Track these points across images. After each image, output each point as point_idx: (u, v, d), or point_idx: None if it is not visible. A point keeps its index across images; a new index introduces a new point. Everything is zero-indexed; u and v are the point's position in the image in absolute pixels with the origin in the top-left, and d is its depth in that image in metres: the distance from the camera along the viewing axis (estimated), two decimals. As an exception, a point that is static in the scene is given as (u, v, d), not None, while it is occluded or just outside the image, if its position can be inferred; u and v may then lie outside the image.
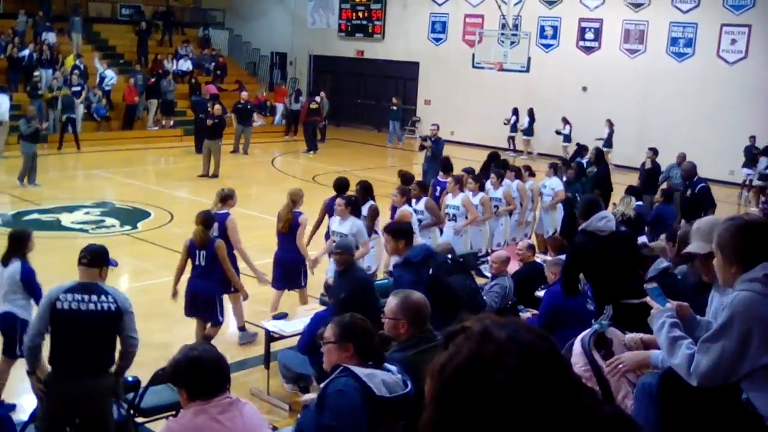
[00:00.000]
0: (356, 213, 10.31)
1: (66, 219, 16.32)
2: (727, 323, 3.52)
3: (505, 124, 28.95)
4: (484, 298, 8.94)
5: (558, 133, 27.47)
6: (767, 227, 3.72)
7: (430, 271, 7.03)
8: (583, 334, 4.42)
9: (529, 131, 28.90)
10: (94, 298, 5.97)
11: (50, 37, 29.30)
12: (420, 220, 11.69)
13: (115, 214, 17.00)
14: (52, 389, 6.06)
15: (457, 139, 29.69)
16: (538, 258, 10.76)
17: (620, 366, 4.15)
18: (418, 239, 10.87)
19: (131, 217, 16.80)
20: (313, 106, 28.24)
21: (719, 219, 4.50)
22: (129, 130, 28.08)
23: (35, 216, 16.48)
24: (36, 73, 26.77)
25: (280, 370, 8.52)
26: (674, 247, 7.48)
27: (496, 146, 27.47)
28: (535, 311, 8.45)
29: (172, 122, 29.49)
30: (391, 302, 4.65)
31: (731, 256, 3.68)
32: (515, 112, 28.85)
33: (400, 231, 7.70)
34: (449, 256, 8.11)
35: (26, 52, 27.75)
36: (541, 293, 8.76)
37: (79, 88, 26.53)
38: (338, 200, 10.40)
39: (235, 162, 24.03)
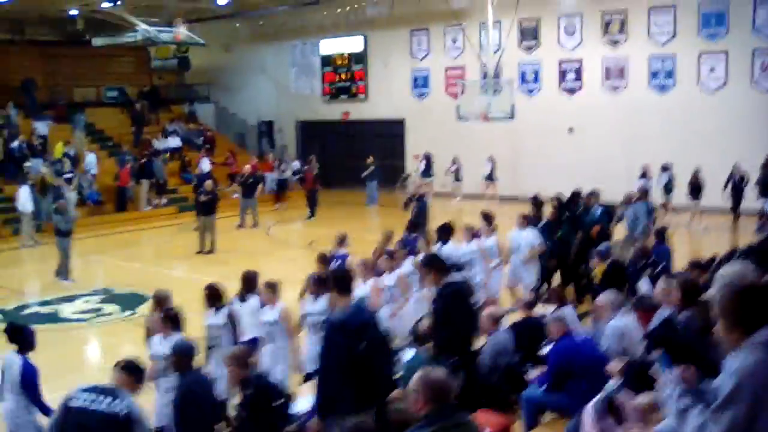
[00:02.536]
0: None
1: (65, 310, 16.29)
2: (736, 390, 3.52)
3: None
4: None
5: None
6: (766, 290, 3.72)
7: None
8: (595, 399, 4.41)
9: (426, 173, 29.77)
10: (108, 399, 5.90)
11: (41, 127, 29.50)
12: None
13: (114, 300, 16.95)
14: None
15: (448, 190, 29.85)
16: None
17: None
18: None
19: (130, 302, 16.72)
20: (315, 172, 28.52)
21: (745, 267, 4.50)
22: (122, 212, 28.13)
23: (34, 309, 16.48)
24: (27, 164, 26.95)
25: None
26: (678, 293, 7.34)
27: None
28: (543, 368, 8.34)
29: (164, 201, 29.57)
30: (415, 377, 4.66)
31: (732, 320, 3.69)
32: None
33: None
34: None
35: (16, 143, 27.93)
36: (545, 350, 8.67)
37: (70, 175, 26.67)
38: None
39: (232, 236, 23.96)
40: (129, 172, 28.60)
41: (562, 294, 11.06)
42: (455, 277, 8.00)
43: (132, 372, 6.30)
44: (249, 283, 10.36)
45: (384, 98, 33.57)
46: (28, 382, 7.90)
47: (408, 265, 12.07)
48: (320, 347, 7.01)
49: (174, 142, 32.66)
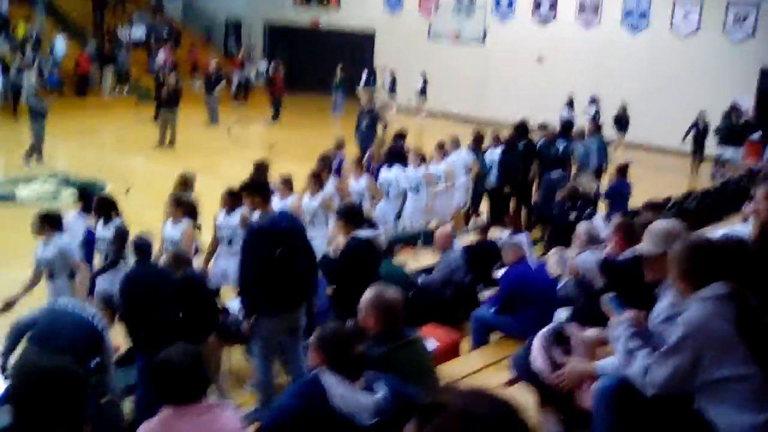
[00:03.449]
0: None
1: (22, 191, 16.18)
2: (681, 340, 3.77)
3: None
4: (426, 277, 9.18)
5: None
6: (718, 248, 3.99)
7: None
8: (543, 330, 4.60)
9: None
10: (89, 310, 6.18)
11: (2, 6, 28.81)
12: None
13: (70, 185, 16.83)
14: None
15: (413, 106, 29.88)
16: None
17: (564, 383, 4.35)
18: None
19: (87, 189, 16.59)
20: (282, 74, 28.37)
21: (673, 224, 4.69)
22: (83, 97, 27.72)
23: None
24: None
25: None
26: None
27: (463, 115, 27.84)
28: (495, 289, 8.53)
29: (126, 90, 29.19)
30: (366, 294, 4.73)
31: (686, 274, 3.94)
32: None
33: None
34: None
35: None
36: (498, 273, 8.84)
37: (32, 56, 26.20)
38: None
39: (192, 132, 23.80)
40: (89, 58, 28.15)
41: (517, 220, 11.31)
42: (364, 233, 7.67)
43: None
44: (260, 172, 11.19)
45: (356, 8, 33.15)
46: None
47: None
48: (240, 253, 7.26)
49: (138, 32, 32.08)
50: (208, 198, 10.92)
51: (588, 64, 27.14)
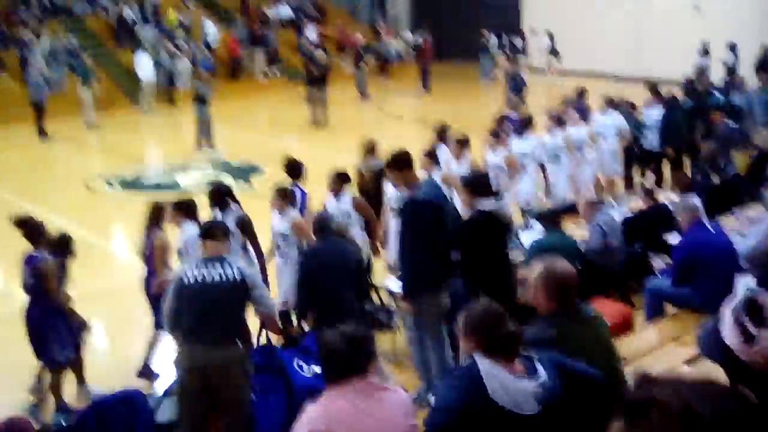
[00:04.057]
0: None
1: (182, 179, 16.55)
2: None
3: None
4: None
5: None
6: None
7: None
8: (733, 303, 4.12)
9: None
10: (219, 269, 5.98)
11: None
12: None
13: (228, 170, 17.11)
14: (182, 361, 6.02)
15: (567, 68, 29.04)
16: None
17: (762, 359, 3.87)
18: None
19: (244, 173, 16.91)
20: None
21: None
22: (235, 81, 28.21)
23: (151, 178, 16.87)
24: (139, 31, 27.32)
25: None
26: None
27: (610, 74, 26.83)
28: (668, 259, 7.98)
29: (277, 71, 29.54)
30: (535, 269, 4.35)
31: None
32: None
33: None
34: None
35: (129, 11, 28.19)
36: (670, 238, 8.29)
37: (184, 44, 26.82)
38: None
39: (344, 108, 23.80)
40: (238, 41, 28.62)
41: (688, 180, 10.60)
42: (488, 203, 7.18)
43: (222, 237, 6.29)
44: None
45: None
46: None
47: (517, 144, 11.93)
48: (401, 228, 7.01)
49: (285, 11, 32.38)
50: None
51: (748, 8, 25.42)
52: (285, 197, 8.58)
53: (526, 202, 11.80)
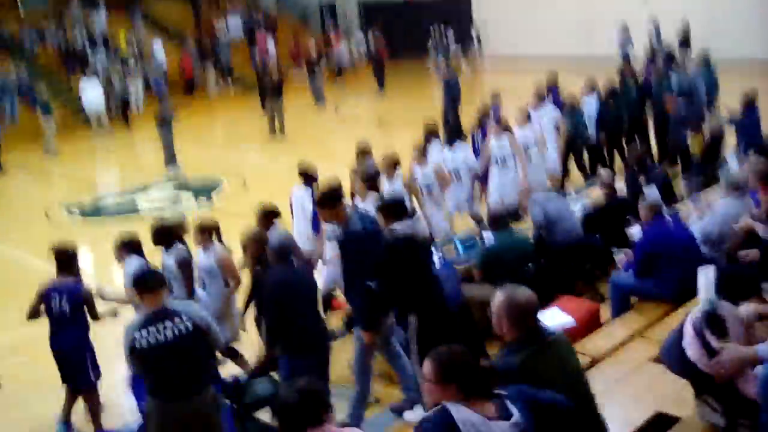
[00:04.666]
0: None
1: (142, 200, 16.41)
2: None
3: None
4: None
5: None
6: None
7: None
8: (694, 314, 4.15)
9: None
10: (169, 323, 5.76)
11: (99, 20, 29.29)
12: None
13: (187, 187, 17.01)
14: (155, 416, 5.90)
15: (521, 52, 29.23)
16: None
17: (723, 372, 3.90)
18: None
19: (205, 189, 16.81)
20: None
21: None
22: (190, 96, 28.04)
23: (111, 200, 16.69)
24: (91, 57, 27.09)
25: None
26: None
27: (564, 54, 26.84)
28: (630, 253, 8.04)
29: (231, 85, 29.45)
30: (498, 297, 4.35)
31: None
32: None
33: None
34: None
35: (79, 38, 27.94)
36: (633, 232, 8.36)
37: (135, 66, 26.70)
38: None
39: (300, 116, 23.71)
40: (190, 59, 28.49)
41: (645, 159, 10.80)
42: (404, 225, 7.09)
43: (160, 287, 5.98)
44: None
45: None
46: None
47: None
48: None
49: (236, 26, 32.23)
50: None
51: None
52: (204, 233, 8.48)
53: (456, 208, 11.59)
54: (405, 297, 6.54)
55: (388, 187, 9.96)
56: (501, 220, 8.64)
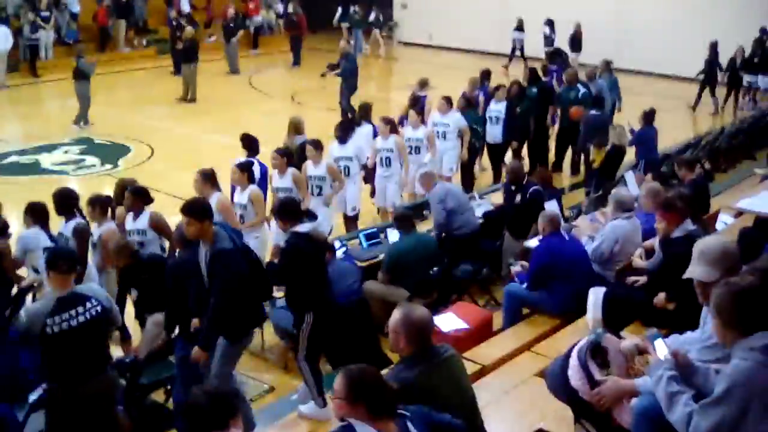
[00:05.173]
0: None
1: (46, 160, 16.10)
2: (728, 392, 3.61)
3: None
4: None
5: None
6: (766, 294, 3.74)
7: None
8: (579, 345, 4.43)
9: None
10: (80, 309, 5.81)
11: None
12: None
13: (94, 151, 16.74)
14: (58, 400, 5.97)
15: (436, 43, 29.48)
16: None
17: (602, 402, 4.20)
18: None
19: (111, 153, 16.58)
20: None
21: (726, 247, 4.56)
22: (102, 53, 27.39)
23: (14, 159, 16.28)
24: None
25: (273, 329, 8.54)
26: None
27: (479, 50, 27.25)
28: (525, 263, 8.37)
29: (144, 42, 28.88)
30: (395, 315, 4.59)
31: (730, 321, 3.75)
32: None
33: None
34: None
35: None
36: (532, 243, 8.69)
37: (48, 13, 25.89)
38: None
39: (213, 83, 23.51)
40: (106, 11, 27.73)
41: (549, 176, 11.09)
42: (303, 227, 6.91)
43: (71, 269, 5.99)
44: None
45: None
46: None
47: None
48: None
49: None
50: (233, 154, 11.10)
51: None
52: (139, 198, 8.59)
53: (353, 209, 11.55)
54: (304, 296, 6.70)
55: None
56: (407, 221, 8.89)
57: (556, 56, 20.27)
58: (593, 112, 13.80)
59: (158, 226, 8.52)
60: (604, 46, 21.71)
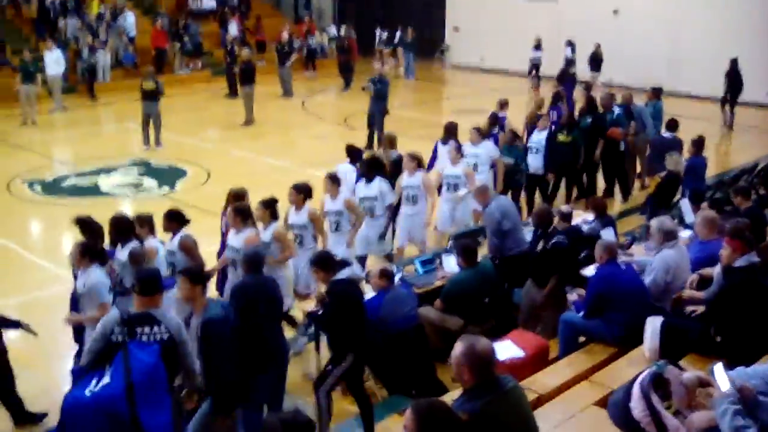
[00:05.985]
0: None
1: (105, 183, 16.40)
2: None
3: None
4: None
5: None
6: None
7: None
8: (642, 376, 4.47)
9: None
10: (147, 330, 5.84)
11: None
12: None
13: (152, 173, 17.04)
14: None
15: (487, 66, 29.62)
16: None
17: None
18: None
19: (168, 176, 16.85)
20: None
21: None
22: (158, 75, 27.76)
23: (73, 181, 16.61)
24: (61, 22, 26.86)
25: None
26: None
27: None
28: (582, 292, 8.37)
29: (200, 64, 29.32)
30: (457, 347, 4.62)
31: None
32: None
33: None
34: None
35: (51, 2, 27.69)
36: (587, 271, 8.67)
37: (105, 37, 26.47)
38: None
39: (267, 106, 23.72)
40: (164, 33, 28.21)
41: (603, 204, 10.97)
42: (345, 273, 7.22)
43: (149, 292, 6.01)
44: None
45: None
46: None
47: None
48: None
49: (209, 2, 32.12)
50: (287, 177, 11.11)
51: (664, 11, 26.08)
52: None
53: (365, 248, 11.04)
54: (348, 339, 7.03)
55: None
56: (472, 254, 8.92)
57: (565, 77, 20.42)
58: (666, 134, 13.98)
59: (185, 247, 8.55)
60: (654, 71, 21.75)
